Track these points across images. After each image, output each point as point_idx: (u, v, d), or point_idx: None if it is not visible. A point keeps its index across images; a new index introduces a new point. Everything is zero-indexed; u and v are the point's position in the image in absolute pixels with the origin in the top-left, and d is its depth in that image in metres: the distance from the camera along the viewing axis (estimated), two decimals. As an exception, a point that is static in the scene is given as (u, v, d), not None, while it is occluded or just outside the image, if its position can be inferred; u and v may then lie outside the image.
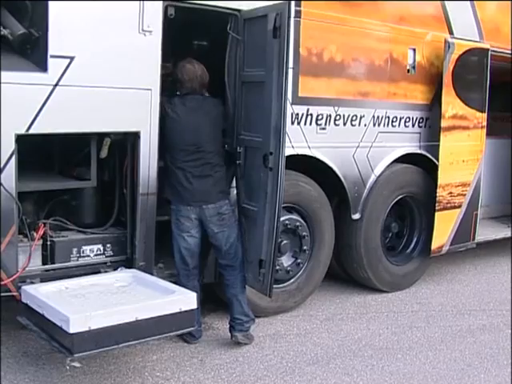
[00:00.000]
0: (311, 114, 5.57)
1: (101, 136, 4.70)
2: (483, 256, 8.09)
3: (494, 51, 6.94)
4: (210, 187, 4.83)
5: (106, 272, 4.76)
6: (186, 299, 4.25)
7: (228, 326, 5.08)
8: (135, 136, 4.67)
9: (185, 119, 4.80)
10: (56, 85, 4.25)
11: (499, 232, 7.93)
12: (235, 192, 5.14)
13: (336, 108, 5.75)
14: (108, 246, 4.89)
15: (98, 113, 4.44)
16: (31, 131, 4.20)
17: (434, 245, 6.60)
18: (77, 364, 4.35)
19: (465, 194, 6.90)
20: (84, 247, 4.81)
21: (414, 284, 6.81)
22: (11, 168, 4.18)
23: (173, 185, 4.86)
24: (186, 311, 4.18)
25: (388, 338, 5.37)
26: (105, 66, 4.43)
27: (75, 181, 4.86)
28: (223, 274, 5.03)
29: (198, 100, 4.89)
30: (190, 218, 4.83)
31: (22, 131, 4.17)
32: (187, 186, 4.80)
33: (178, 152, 4.80)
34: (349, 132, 5.89)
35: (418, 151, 6.59)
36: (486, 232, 7.65)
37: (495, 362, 5.01)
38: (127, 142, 4.78)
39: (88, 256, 4.82)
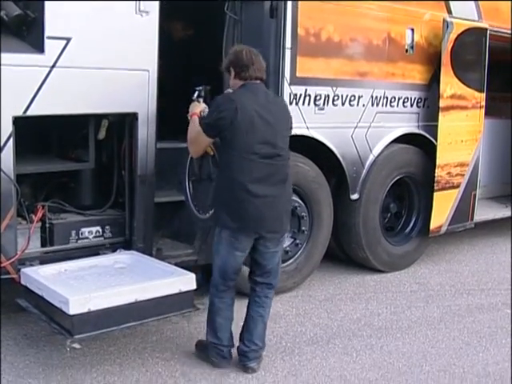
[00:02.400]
0: (309, 95, 5.54)
1: (98, 118, 4.70)
2: (482, 236, 8.10)
3: (492, 31, 6.91)
4: (283, 212, 4.26)
5: (104, 254, 4.77)
6: (185, 280, 4.26)
7: (238, 349, 4.40)
8: (133, 117, 4.66)
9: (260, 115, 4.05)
10: (53, 66, 4.24)
11: (498, 212, 7.93)
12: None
13: (334, 88, 5.73)
14: (107, 227, 4.89)
15: (95, 94, 4.44)
16: (29, 113, 4.20)
17: (433, 225, 6.60)
18: (77, 345, 4.37)
19: (463, 174, 6.89)
20: (83, 229, 4.81)
21: (412, 264, 6.82)
22: (9, 150, 4.18)
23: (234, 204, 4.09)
24: (185, 292, 4.21)
25: (387, 318, 5.39)
26: (102, 47, 4.42)
27: (73, 163, 4.86)
28: (255, 290, 4.39)
29: (266, 93, 4.20)
30: (251, 237, 4.17)
31: (20, 113, 4.17)
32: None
33: (249, 162, 4.03)
34: (347, 112, 5.87)
35: (417, 131, 6.58)
36: (485, 212, 7.64)
37: (494, 341, 5.02)
38: (125, 124, 4.77)
39: (87, 238, 4.83)
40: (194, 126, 4.20)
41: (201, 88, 4.48)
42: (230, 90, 4.26)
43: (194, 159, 4.62)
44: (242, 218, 4.04)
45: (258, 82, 4.13)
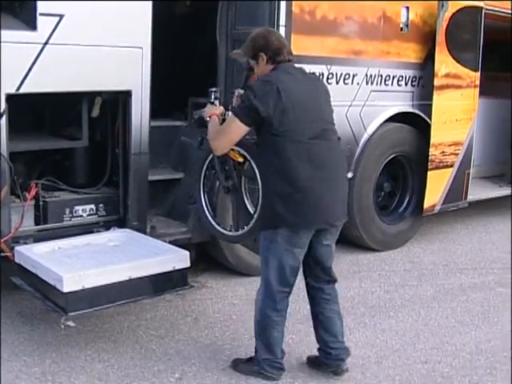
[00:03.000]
0: (304, 73, 5.52)
1: (92, 95, 4.67)
2: (475, 215, 8.12)
3: (488, 10, 6.89)
4: (344, 197, 3.94)
5: (98, 232, 4.76)
6: (179, 258, 4.26)
7: (321, 352, 4.05)
8: (127, 95, 4.64)
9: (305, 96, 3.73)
10: (46, 43, 4.20)
11: (491, 191, 7.95)
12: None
13: (329, 66, 5.71)
14: (101, 205, 4.88)
15: (88, 72, 4.40)
16: (21, 91, 4.17)
17: (427, 204, 6.61)
18: (71, 323, 4.40)
19: (457, 154, 6.90)
20: (76, 207, 4.80)
21: (406, 243, 6.85)
22: (2, 128, 4.16)
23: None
24: (179, 270, 4.21)
25: (380, 296, 5.41)
26: (95, 24, 4.39)
27: (67, 141, 4.84)
28: (321, 288, 3.98)
29: (300, 70, 3.89)
30: (312, 230, 3.77)
31: (12, 91, 4.14)
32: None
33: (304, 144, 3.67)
34: (341, 91, 5.85)
35: (411, 110, 6.57)
36: (478, 191, 7.65)
37: (486, 320, 5.05)
38: (119, 101, 4.74)
39: (81, 216, 4.82)
40: (217, 124, 3.93)
41: (216, 89, 4.27)
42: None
43: (218, 170, 4.29)
44: (304, 210, 3.63)
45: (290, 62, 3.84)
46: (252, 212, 4.21)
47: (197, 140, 4.37)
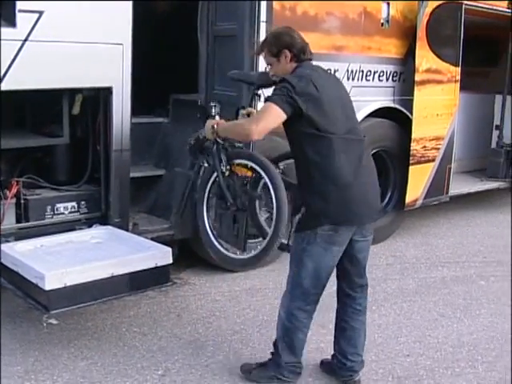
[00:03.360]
0: (285, 68, 5.52)
1: (72, 92, 4.65)
2: (457, 210, 8.17)
3: (468, 5, 6.92)
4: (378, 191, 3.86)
5: (80, 229, 4.73)
6: (161, 254, 4.26)
7: (335, 361, 3.98)
8: (107, 92, 4.61)
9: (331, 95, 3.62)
10: (25, 40, 4.17)
11: (472, 186, 7.99)
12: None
13: (310, 62, 5.71)
14: (82, 203, 4.86)
15: (68, 68, 4.37)
16: (1, 88, 4.13)
17: (408, 198, 6.64)
18: (54, 321, 4.40)
19: (439, 148, 6.94)
20: (58, 205, 4.78)
21: (388, 237, 6.87)
22: (-18, 126, 4.13)
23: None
24: (161, 266, 4.20)
25: (363, 291, 5.44)
26: (75, 21, 4.35)
27: (48, 138, 4.81)
28: (353, 296, 3.86)
29: (321, 68, 3.81)
30: (353, 226, 3.66)
31: (-8, 88, 4.11)
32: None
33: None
34: (323, 86, 5.85)
35: (392, 105, 6.59)
36: (460, 186, 7.70)
37: (468, 312, 5.10)
38: (99, 98, 4.72)
39: (62, 213, 4.80)
40: (232, 123, 3.85)
41: (216, 104, 4.10)
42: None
43: (224, 187, 4.06)
44: (348, 206, 3.54)
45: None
46: (268, 231, 4.02)
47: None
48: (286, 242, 4.00)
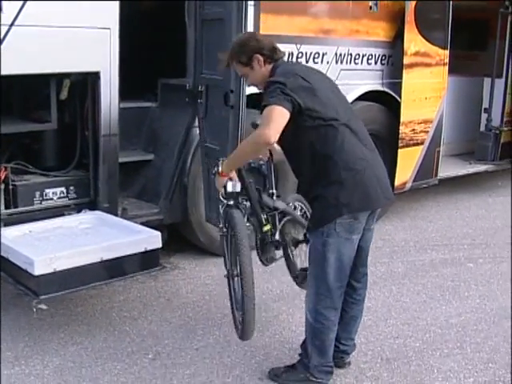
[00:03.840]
0: (273, 52, 5.51)
1: (60, 77, 4.62)
2: (445, 193, 8.19)
3: (456, -12, 6.93)
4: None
5: (69, 214, 4.73)
6: (150, 239, 4.26)
7: (341, 349, 3.91)
8: (95, 76, 4.59)
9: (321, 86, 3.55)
10: (11, 25, 4.13)
11: (461, 169, 8.03)
12: (198, 132, 5.13)
13: (298, 46, 5.70)
14: (71, 188, 4.85)
15: (56, 53, 4.35)
16: (-12, 73, 4.11)
17: (397, 182, 6.65)
18: (43, 306, 4.39)
19: (427, 131, 6.95)
20: (47, 190, 4.76)
21: (377, 221, 6.87)
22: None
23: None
24: (151, 250, 4.21)
25: (352, 274, 5.46)
26: (62, 5, 4.32)
27: (35, 124, 4.79)
28: (355, 288, 3.83)
29: (298, 62, 4.01)
30: (369, 211, 3.60)
31: (-22, 74, 4.08)
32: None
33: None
34: (311, 70, 5.85)
35: (381, 89, 6.60)
36: (449, 169, 7.73)
37: (456, 294, 5.13)
38: (87, 83, 4.70)
39: (51, 199, 4.78)
40: (240, 147, 3.67)
41: (224, 159, 3.76)
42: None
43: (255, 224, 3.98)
44: (366, 191, 3.46)
45: None
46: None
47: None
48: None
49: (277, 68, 3.57)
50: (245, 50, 3.60)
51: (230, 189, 3.61)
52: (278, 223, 4.05)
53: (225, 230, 3.62)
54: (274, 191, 4.23)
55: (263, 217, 3.96)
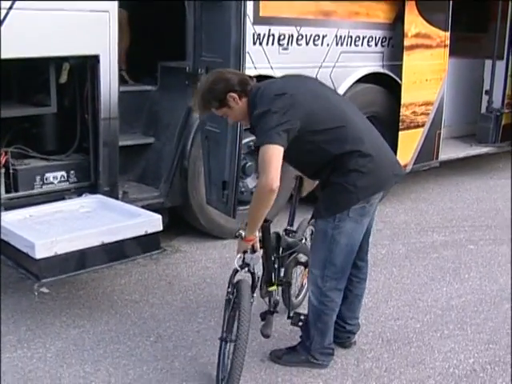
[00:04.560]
0: (273, 34, 5.49)
1: (59, 61, 4.61)
2: (446, 175, 8.18)
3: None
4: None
5: (70, 198, 4.73)
6: (151, 222, 4.25)
7: (337, 327, 3.87)
8: (94, 60, 4.58)
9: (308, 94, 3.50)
10: (10, 8, 4.13)
11: (462, 151, 8.00)
12: (197, 115, 5.12)
13: (298, 28, 5.68)
14: (71, 172, 4.85)
15: (55, 37, 4.32)
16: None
17: (398, 164, 6.64)
18: (45, 290, 4.42)
19: (428, 113, 6.93)
20: (47, 174, 4.76)
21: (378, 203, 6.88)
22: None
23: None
24: (151, 233, 4.21)
25: (353, 256, 5.47)
26: (60, -12, 4.31)
27: (35, 107, 4.78)
28: (361, 267, 3.87)
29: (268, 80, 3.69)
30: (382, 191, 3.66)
31: (-23, 58, 4.07)
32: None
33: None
34: (311, 52, 5.83)
35: (381, 71, 6.57)
36: (450, 151, 7.72)
37: (457, 276, 5.14)
38: (87, 67, 4.68)
39: (52, 183, 4.78)
40: (250, 209, 3.47)
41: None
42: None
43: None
44: (381, 172, 3.47)
45: None
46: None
47: None
48: None
49: (254, 97, 3.44)
50: (215, 94, 3.45)
51: (247, 260, 3.57)
52: (286, 262, 4.04)
53: (230, 296, 3.58)
54: (293, 228, 4.19)
55: (273, 275, 3.90)
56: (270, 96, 3.36)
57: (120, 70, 4.93)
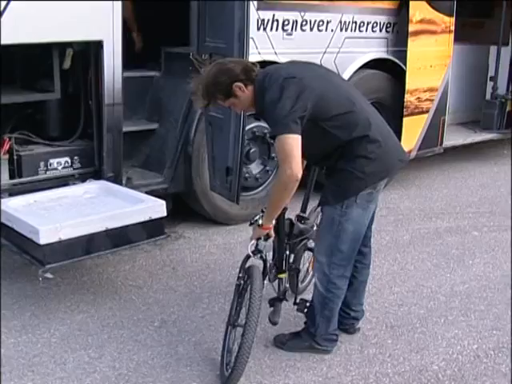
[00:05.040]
0: (277, 20, 5.47)
1: (63, 46, 4.60)
2: (451, 161, 8.17)
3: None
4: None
5: (74, 184, 4.73)
6: (155, 207, 4.26)
7: (342, 313, 3.88)
8: (98, 45, 4.56)
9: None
10: (9, -1, 4.12)
11: (466, 137, 7.98)
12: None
13: (302, 13, 5.65)
14: (75, 158, 4.85)
15: (58, 22, 4.31)
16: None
17: (402, 150, 6.62)
18: (49, 275, 4.42)
19: (432, 100, 6.91)
20: (51, 160, 4.76)
21: (382, 189, 6.87)
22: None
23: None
24: (155, 219, 4.22)
25: (357, 242, 5.47)
26: (64, -27, 4.29)
27: (39, 93, 4.77)
28: (365, 253, 3.89)
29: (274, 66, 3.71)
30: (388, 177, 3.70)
31: (-19, 43, 4.06)
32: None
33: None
34: (315, 37, 5.81)
35: (386, 56, 6.55)
36: (454, 137, 7.70)
37: (461, 262, 5.14)
38: (90, 52, 4.67)
39: (56, 169, 4.78)
40: (270, 198, 3.50)
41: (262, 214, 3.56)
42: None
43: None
44: (388, 157, 3.47)
45: None
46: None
47: None
48: None
49: (260, 84, 3.39)
50: (221, 87, 3.38)
51: (260, 247, 3.56)
52: (297, 248, 4.03)
53: (241, 281, 3.58)
54: (305, 214, 4.15)
55: (283, 262, 3.87)
56: (280, 80, 3.31)
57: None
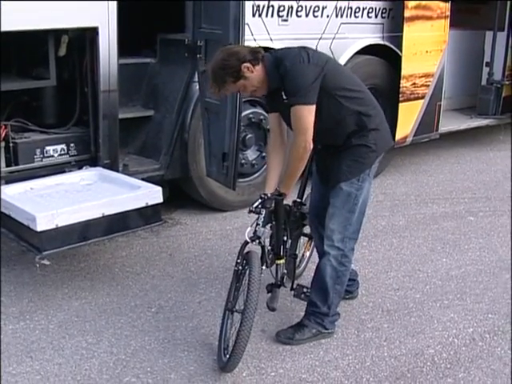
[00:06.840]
0: (272, 6, 5.46)
1: (58, 33, 4.58)
2: (446, 147, 8.18)
3: None
4: None
5: (70, 171, 4.73)
6: (151, 193, 4.28)
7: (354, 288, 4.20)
8: (93, 32, 4.56)
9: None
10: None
11: (462, 123, 7.98)
12: (197, 87, 5.12)
13: (298, -1, 5.66)
14: (72, 145, 4.84)
15: (53, 9, 4.30)
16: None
17: (398, 136, 6.63)
18: (46, 262, 4.43)
19: (428, 85, 6.90)
20: (47, 147, 4.76)
21: (378, 175, 6.88)
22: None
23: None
24: (152, 205, 4.24)
25: (353, 228, 5.48)
26: (58, -41, 4.28)
27: (34, 81, 4.77)
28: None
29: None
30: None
31: (-24, 31, 4.05)
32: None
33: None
34: (311, 23, 5.80)
35: (382, 42, 6.53)
36: (450, 123, 7.70)
37: (457, 247, 5.16)
38: (86, 39, 4.66)
39: (52, 156, 4.78)
40: (287, 166, 3.59)
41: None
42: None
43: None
44: (387, 132, 3.75)
45: None
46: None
47: None
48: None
49: (271, 63, 3.46)
50: (229, 70, 3.40)
51: (259, 233, 3.57)
52: (294, 234, 4.06)
53: (240, 267, 3.59)
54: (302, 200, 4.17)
55: (281, 248, 3.87)
56: (296, 49, 3.49)
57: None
